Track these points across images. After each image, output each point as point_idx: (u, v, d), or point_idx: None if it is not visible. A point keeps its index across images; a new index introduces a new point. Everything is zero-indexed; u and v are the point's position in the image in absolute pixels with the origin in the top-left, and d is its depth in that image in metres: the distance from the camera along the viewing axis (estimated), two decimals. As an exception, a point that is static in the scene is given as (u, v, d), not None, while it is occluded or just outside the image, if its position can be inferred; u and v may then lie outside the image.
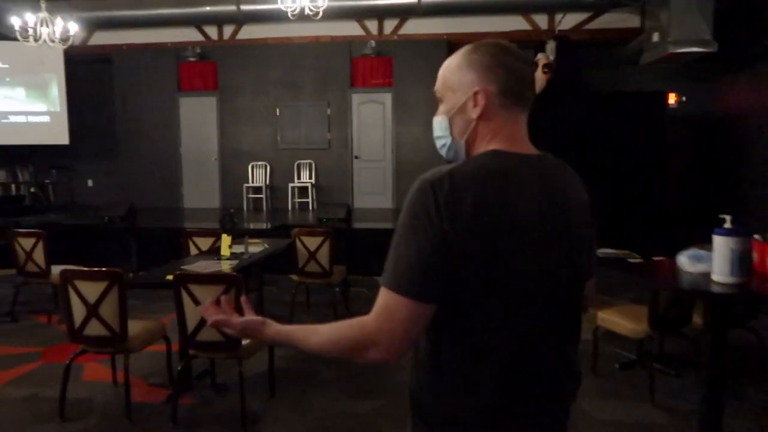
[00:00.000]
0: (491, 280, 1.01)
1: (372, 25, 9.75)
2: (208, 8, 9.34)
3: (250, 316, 1.19)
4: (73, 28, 6.53)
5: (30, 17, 6.27)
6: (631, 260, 4.09)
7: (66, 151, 10.22)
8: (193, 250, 5.02)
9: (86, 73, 10.42)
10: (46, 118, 9.74)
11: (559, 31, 9.19)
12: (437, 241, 0.98)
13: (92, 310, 3.19)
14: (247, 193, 9.79)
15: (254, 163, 9.92)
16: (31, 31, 6.24)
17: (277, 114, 9.91)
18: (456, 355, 1.05)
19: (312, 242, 4.95)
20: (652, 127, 7.41)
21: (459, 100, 1.14)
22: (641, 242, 4.62)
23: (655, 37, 7.80)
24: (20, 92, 9.57)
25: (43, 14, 6.28)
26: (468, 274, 1.00)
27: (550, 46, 8.65)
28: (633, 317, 3.76)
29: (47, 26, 6.29)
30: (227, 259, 4.14)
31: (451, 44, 9.13)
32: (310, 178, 9.79)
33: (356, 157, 9.81)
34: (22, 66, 9.43)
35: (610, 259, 4.20)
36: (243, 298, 1.31)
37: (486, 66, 1.12)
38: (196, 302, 3.05)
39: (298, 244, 4.98)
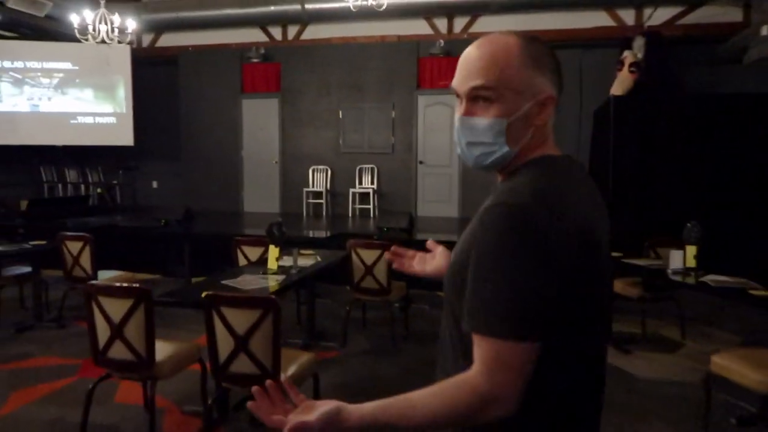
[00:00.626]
0: (591, 300, 0.97)
1: (441, 24, 9.22)
2: (272, 8, 9.13)
3: (324, 407, 0.94)
4: (132, 25, 6.36)
5: (88, 14, 6.13)
6: (754, 292, 3.37)
7: (133, 153, 10.27)
8: (242, 260, 4.65)
9: (153, 75, 10.45)
10: (112, 119, 9.79)
11: (649, 26, 8.35)
12: (545, 271, 0.89)
13: (116, 331, 2.81)
14: (307, 198, 9.45)
15: (315, 167, 9.58)
16: (90, 29, 6.09)
17: (340, 116, 9.54)
18: (559, 385, 0.97)
19: (369, 256, 4.46)
20: (761, 133, 6.47)
21: (523, 103, 1.01)
22: (760, 269, 3.85)
23: (764, 30, 6.85)
24: (89, 93, 9.67)
25: (102, 11, 6.12)
26: (574, 299, 0.93)
27: (639, 42, 7.85)
28: (757, 364, 3.03)
29: (106, 24, 6.13)
30: (274, 273, 3.71)
31: (526, 42, 8.44)
32: (372, 183, 9.35)
33: (421, 163, 9.29)
34: (90, 67, 9.52)
35: (727, 290, 3.49)
36: (285, 382, 1.02)
37: (549, 68, 1.03)
38: (228, 327, 2.61)
39: (354, 257, 4.50)
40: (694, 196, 6.35)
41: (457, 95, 1.05)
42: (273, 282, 3.55)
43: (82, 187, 10.69)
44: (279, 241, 3.81)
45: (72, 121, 9.62)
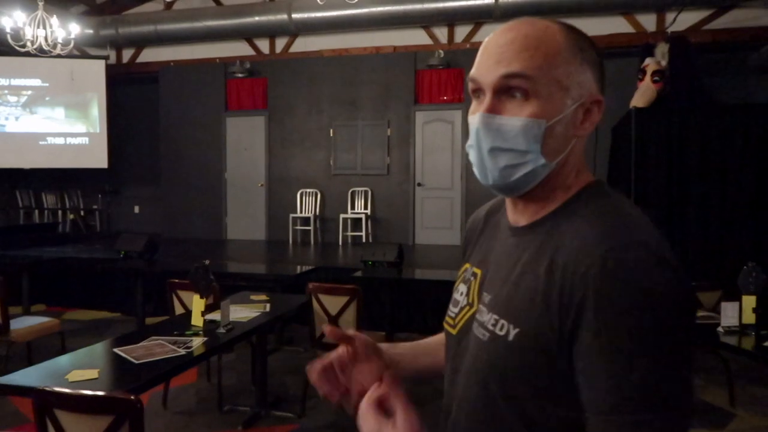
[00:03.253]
0: None
1: (441, 33, 8.43)
2: (257, 18, 8.45)
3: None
4: (74, 30, 5.58)
5: (20, 16, 5.36)
6: None
7: (113, 176, 9.55)
8: (179, 308, 3.77)
9: (133, 93, 9.78)
10: (85, 140, 9.07)
11: (672, 32, 7.46)
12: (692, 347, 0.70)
13: None
14: (294, 224, 8.59)
15: (304, 190, 8.74)
16: (29, 35, 5.32)
17: (331, 135, 8.72)
18: None
19: (333, 303, 3.56)
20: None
21: (568, 103, 0.78)
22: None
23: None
24: (60, 112, 8.97)
25: (39, 13, 5.34)
26: None
27: (662, 49, 6.93)
28: None
29: (44, 28, 5.37)
30: (194, 333, 2.82)
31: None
32: (366, 208, 8.48)
33: (419, 185, 8.41)
34: (61, 84, 8.82)
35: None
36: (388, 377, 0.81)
37: (597, 65, 0.81)
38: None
39: (315, 304, 3.61)
40: (737, 225, 5.40)
41: (476, 90, 0.81)
42: (198, 344, 2.67)
43: (60, 212, 9.97)
44: (205, 289, 2.92)
45: (41, 142, 8.90)
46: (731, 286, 3.05)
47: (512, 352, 0.76)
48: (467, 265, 0.94)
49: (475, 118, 0.80)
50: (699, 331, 3.11)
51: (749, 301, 2.90)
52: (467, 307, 0.88)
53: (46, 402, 1.73)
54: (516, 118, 0.77)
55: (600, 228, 0.73)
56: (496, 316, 0.79)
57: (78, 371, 2.22)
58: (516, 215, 0.85)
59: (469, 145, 0.83)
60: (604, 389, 0.67)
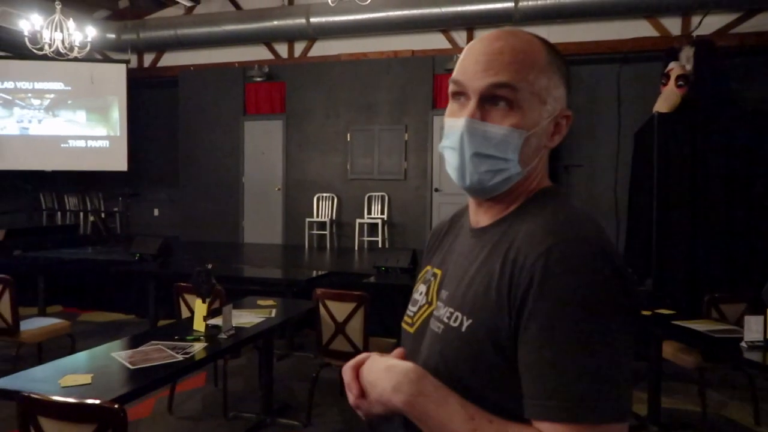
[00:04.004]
0: None
1: (460, 37, 8.33)
2: (275, 22, 8.47)
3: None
4: (91, 33, 5.61)
5: (37, 19, 5.40)
6: None
7: (134, 178, 9.64)
8: (185, 311, 3.73)
9: (153, 96, 9.88)
10: (105, 143, 9.15)
11: (697, 36, 7.26)
12: (632, 337, 0.73)
13: None
14: (310, 228, 8.54)
15: (320, 194, 8.70)
16: (46, 38, 5.36)
17: (348, 139, 8.67)
18: None
19: (340, 310, 3.48)
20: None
21: (544, 116, 0.83)
22: None
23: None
24: (81, 115, 9.07)
25: (57, 17, 5.38)
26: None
27: (687, 53, 6.74)
28: None
29: (61, 31, 5.40)
30: (194, 339, 2.77)
31: (554, 55, 7.48)
32: (382, 213, 8.40)
33: (437, 190, 8.32)
34: (83, 88, 8.92)
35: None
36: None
37: (568, 81, 0.87)
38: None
39: (322, 311, 3.54)
40: (762, 234, 5.20)
41: (459, 93, 0.85)
42: (199, 348, 2.62)
43: (81, 215, 10.09)
44: (207, 293, 2.87)
45: (63, 145, 9.01)
46: (756, 299, 2.90)
47: (464, 342, 0.79)
48: (428, 267, 0.98)
49: (458, 122, 0.83)
50: (720, 343, 2.97)
51: (774, 315, 2.75)
52: (426, 306, 0.91)
53: (29, 408, 1.68)
54: (500, 127, 0.82)
55: (547, 225, 0.78)
56: (451, 309, 0.83)
57: (71, 376, 2.17)
58: (478, 217, 0.90)
59: (447, 146, 0.86)
60: (543, 375, 0.71)
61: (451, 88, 0.86)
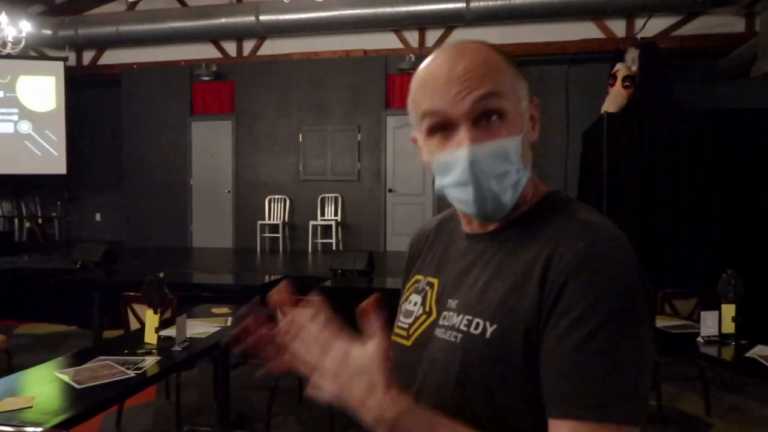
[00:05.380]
0: None
1: (411, 37, 8.32)
2: (223, 20, 8.22)
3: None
4: (26, 28, 5.30)
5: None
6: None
7: (73, 182, 9.17)
8: (134, 322, 3.54)
9: (94, 96, 9.44)
10: (42, 145, 8.66)
11: (642, 38, 7.49)
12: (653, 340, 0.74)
13: None
14: (262, 231, 8.35)
15: (272, 196, 8.51)
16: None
17: (300, 140, 8.52)
18: None
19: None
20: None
21: (525, 113, 0.84)
22: None
23: (777, 38, 5.99)
24: (15, 115, 8.55)
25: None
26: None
27: (632, 54, 6.95)
28: None
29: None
30: (146, 352, 2.61)
31: (505, 56, 7.56)
32: (336, 214, 8.30)
33: (390, 191, 8.27)
34: (17, 86, 8.43)
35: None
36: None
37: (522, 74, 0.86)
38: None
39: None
40: (708, 230, 5.38)
41: (439, 124, 0.79)
42: (151, 364, 2.46)
43: (16, 220, 9.55)
44: (159, 303, 2.72)
45: (-5, 147, 8.50)
46: (706, 294, 2.97)
47: (490, 348, 0.77)
48: (419, 276, 0.94)
49: (459, 153, 0.78)
50: (676, 339, 3.03)
51: (729, 310, 2.81)
52: (424, 316, 0.88)
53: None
54: (503, 140, 0.79)
55: (578, 226, 0.78)
56: (469, 317, 0.81)
57: (10, 399, 1.99)
58: (477, 223, 0.87)
59: (451, 184, 0.81)
60: (573, 373, 0.70)
61: (428, 122, 0.80)
